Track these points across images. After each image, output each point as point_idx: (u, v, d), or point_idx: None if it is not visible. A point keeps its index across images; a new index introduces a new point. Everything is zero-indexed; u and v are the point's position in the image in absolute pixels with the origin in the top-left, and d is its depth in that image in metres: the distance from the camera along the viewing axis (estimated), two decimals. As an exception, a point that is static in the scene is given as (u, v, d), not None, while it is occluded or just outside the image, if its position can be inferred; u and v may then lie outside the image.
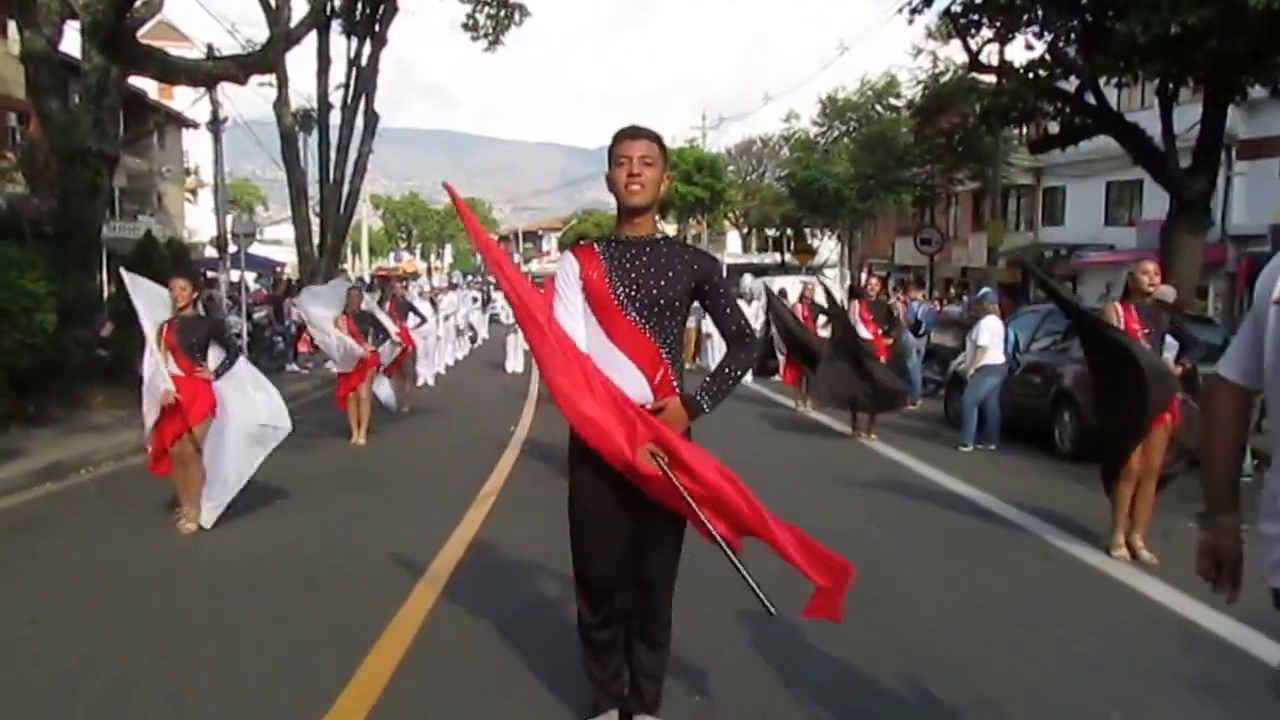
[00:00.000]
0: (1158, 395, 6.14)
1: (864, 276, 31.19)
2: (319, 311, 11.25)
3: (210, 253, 25.71)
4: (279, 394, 7.46)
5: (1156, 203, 20.60)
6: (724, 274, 3.47)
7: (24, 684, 4.17)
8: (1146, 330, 6.29)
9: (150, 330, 6.90)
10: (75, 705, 3.96)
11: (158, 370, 6.79)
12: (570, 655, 4.00)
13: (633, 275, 3.26)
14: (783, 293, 19.16)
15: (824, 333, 14.61)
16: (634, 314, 3.26)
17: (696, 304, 3.38)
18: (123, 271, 7.55)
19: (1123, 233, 28.22)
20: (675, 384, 3.34)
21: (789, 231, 46.52)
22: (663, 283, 3.25)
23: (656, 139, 3.30)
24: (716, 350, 20.61)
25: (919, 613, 5.21)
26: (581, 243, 3.44)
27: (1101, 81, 15.08)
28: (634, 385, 3.27)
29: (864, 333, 11.75)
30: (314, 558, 6.31)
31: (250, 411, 7.11)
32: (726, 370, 3.35)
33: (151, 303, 7.00)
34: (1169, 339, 6.67)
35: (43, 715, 3.87)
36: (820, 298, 14.86)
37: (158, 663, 4.43)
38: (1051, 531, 6.99)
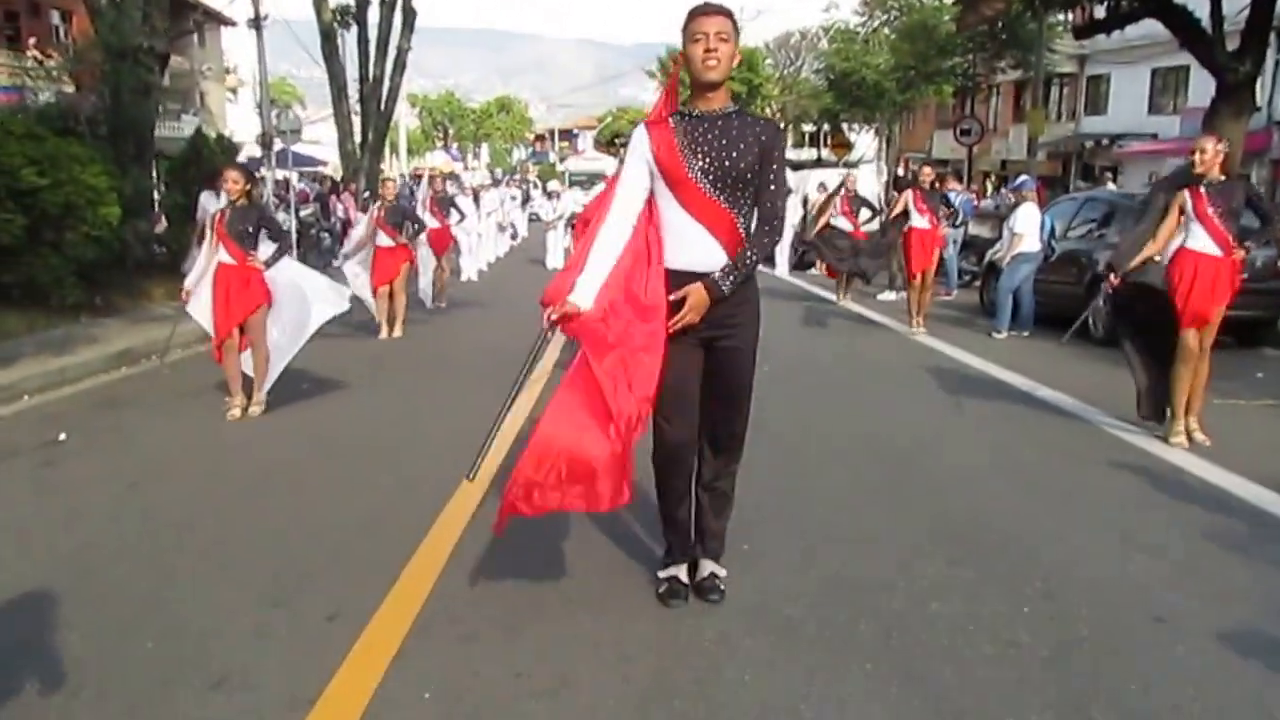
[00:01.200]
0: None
1: (900, 170, 30.88)
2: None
3: (254, 150, 25.92)
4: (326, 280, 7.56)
5: (1202, 90, 20.18)
6: (784, 149, 3.56)
7: (135, 538, 4.61)
8: (1219, 209, 6.15)
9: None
10: (184, 554, 4.40)
11: (198, 272, 7.06)
12: (639, 514, 4.38)
13: (706, 148, 3.38)
14: (822, 186, 19.21)
15: (867, 227, 14.70)
16: (708, 186, 3.38)
17: None
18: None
19: (1167, 121, 27.71)
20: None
21: (826, 126, 45.87)
22: (734, 155, 3.37)
23: (729, 15, 3.37)
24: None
25: (953, 476, 5.56)
26: (654, 118, 3.53)
27: (1150, -39, 14.75)
28: (712, 255, 3.42)
29: (920, 222, 11.53)
30: (379, 432, 6.73)
31: (302, 297, 7.16)
32: (747, 254, 3.43)
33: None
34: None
35: (158, 562, 4.31)
36: (863, 190, 14.84)
37: (249, 519, 4.87)
38: (1082, 408, 7.25)
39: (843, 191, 15.14)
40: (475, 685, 3.14)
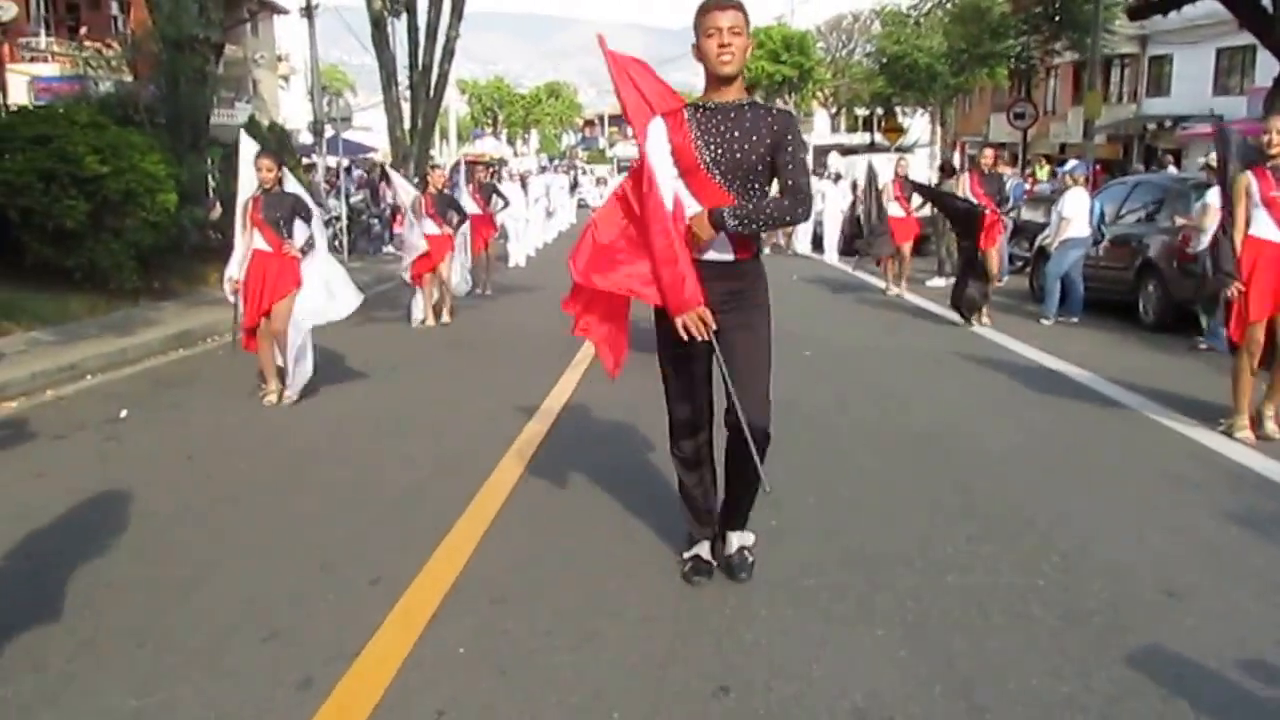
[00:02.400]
0: None
1: (955, 155, 30.61)
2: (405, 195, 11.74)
3: (306, 138, 26.39)
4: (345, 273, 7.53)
5: (1270, 70, 19.76)
6: (799, 134, 3.55)
7: (192, 506, 4.87)
8: None
9: (241, 200, 7.07)
10: (237, 522, 4.65)
11: (239, 259, 7.05)
12: (668, 490, 4.51)
13: (717, 140, 3.44)
14: (871, 168, 19.08)
15: (921, 212, 14.61)
16: (718, 177, 3.44)
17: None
18: (242, 134, 7.70)
19: (1233, 102, 27.10)
20: (756, 245, 3.57)
21: (878, 110, 45.50)
22: (745, 146, 3.43)
23: (742, 8, 3.38)
24: (799, 236, 20.66)
25: (984, 457, 5.64)
26: (670, 108, 3.60)
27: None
28: (720, 245, 3.49)
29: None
30: (423, 411, 6.94)
31: (320, 285, 7.14)
32: (769, 206, 3.43)
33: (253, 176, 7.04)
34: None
35: (214, 528, 4.57)
36: (915, 176, 14.66)
37: (298, 490, 5.12)
38: (1124, 394, 7.24)
39: (895, 176, 15.06)
40: (506, 642, 3.33)
